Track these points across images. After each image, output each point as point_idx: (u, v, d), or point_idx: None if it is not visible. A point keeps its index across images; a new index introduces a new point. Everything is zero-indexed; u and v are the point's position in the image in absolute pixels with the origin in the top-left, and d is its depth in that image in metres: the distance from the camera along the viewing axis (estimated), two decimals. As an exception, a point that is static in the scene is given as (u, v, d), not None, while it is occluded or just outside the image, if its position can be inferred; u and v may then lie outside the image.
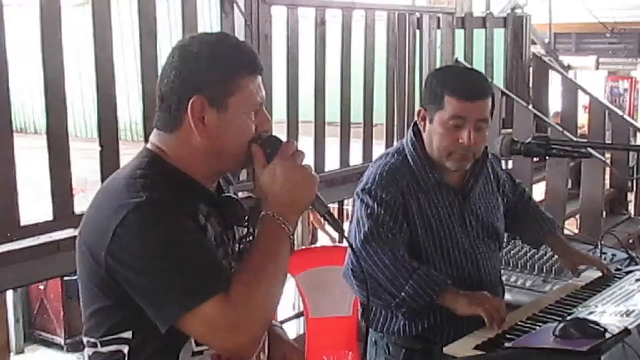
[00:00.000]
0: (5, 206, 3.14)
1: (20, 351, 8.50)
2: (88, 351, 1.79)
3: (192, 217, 1.69)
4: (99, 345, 1.74)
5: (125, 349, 1.72)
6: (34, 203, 3.52)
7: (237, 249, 1.85)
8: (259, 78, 1.79)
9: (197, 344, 1.71)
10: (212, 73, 1.71)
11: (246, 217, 1.88)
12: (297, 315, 5.21)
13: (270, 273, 1.66)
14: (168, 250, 1.60)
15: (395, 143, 5.46)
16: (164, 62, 1.76)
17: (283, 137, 4.56)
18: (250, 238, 1.88)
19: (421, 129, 2.61)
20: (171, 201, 1.65)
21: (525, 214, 2.95)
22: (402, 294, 2.42)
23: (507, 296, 2.93)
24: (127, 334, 1.71)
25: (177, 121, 1.73)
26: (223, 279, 1.62)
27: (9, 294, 7.74)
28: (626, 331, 2.06)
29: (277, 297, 1.71)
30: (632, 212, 6.77)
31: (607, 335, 2.01)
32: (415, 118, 2.64)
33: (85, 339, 1.79)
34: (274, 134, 1.82)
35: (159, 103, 1.76)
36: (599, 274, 2.85)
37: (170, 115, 1.73)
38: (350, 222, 2.64)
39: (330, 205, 8.01)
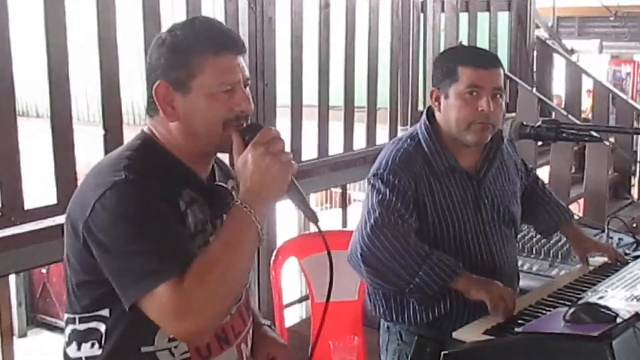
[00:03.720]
0: (10, 190, 3.13)
1: (23, 335, 8.54)
2: (67, 329, 1.81)
3: (170, 202, 1.70)
4: (77, 321, 1.77)
5: (102, 327, 1.74)
6: (36, 187, 3.50)
7: None
8: (234, 58, 1.77)
9: None
10: (172, 57, 1.74)
11: None
12: (302, 299, 5.21)
13: (226, 261, 1.63)
14: (133, 232, 1.62)
15: (399, 127, 5.46)
16: None
17: (286, 121, 4.54)
18: None
19: (435, 109, 2.60)
20: (148, 183, 1.67)
21: (541, 203, 2.92)
22: (416, 279, 2.40)
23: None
24: (105, 312, 1.73)
25: (154, 106, 1.78)
26: (180, 264, 1.60)
27: (12, 278, 7.76)
28: (637, 316, 2.04)
29: (233, 286, 1.67)
30: (635, 196, 6.76)
31: (618, 320, 2.00)
32: (428, 102, 2.62)
33: (65, 316, 1.82)
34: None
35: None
36: (604, 260, 2.84)
37: (150, 100, 1.79)
38: (363, 205, 2.61)
39: (334, 190, 7.98)
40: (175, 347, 1.75)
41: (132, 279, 1.60)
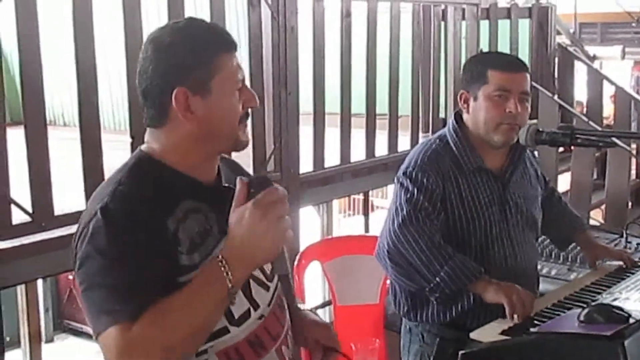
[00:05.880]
0: (40, 197, 3.21)
1: (50, 340, 8.60)
2: None
3: (153, 229, 1.63)
4: None
5: None
6: (64, 194, 3.57)
7: None
8: (236, 55, 1.76)
9: None
10: (188, 60, 1.69)
11: None
12: (325, 304, 5.26)
13: (182, 320, 1.54)
14: (100, 265, 1.58)
15: (420, 134, 5.50)
16: (140, 57, 1.76)
17: (309, 129, 4.59)
18: None
19: (464, 111, 2.68)
20: (130, 211, 1.62)
21: (557, 214, 2.99)
22: (437, 279, 2.47)
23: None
24: None
25: (164, 114, 1.72)
26: (136, 306, 1.53)
27: (39, 284, 7.85)
28: (650, 317, 2.09)
29: (184, 337, 1.55)
30: (657, 203, 6.74)
31: (631, 320, 2.04)
32: (449, 109, 2.69)
33: None
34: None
35: (143, 100, 1.76)
36: (619, 264, 2.88)
37: (156, 110, 1.73)
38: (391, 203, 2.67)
39: (356, 197, 7.97)
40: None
41: (92, 315, 1.59)
